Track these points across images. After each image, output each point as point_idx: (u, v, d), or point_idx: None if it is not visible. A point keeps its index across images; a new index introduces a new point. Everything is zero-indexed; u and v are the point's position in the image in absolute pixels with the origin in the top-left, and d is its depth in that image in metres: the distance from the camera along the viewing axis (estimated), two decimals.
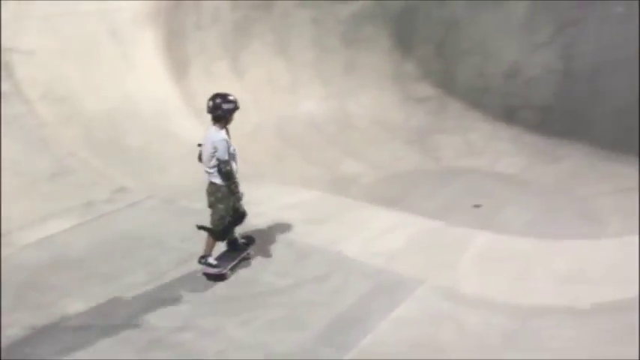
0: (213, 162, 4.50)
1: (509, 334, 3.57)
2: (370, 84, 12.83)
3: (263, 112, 11.53)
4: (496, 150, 11.75)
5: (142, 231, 5.27)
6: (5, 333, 3.82)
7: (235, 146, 4.70)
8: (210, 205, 4.55)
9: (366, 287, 4.26)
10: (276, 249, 4.88)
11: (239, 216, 4.64)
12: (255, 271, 4.54)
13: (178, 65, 10.00)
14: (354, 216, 5.71)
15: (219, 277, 4.43)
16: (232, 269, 4.51)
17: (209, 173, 4.53)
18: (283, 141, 11.19)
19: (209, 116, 4.61)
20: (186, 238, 4.95)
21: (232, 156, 4.63)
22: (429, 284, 4.23)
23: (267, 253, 4.80)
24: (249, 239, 4.84)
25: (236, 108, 4.75)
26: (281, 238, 5.05)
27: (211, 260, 4.48)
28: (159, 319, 3.95)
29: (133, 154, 6.73)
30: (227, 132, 4.70)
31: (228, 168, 4.46)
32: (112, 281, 4.44)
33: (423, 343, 3.59)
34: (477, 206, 9.62)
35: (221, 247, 4.66)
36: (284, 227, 5.25)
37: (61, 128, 6.92)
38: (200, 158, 4.62)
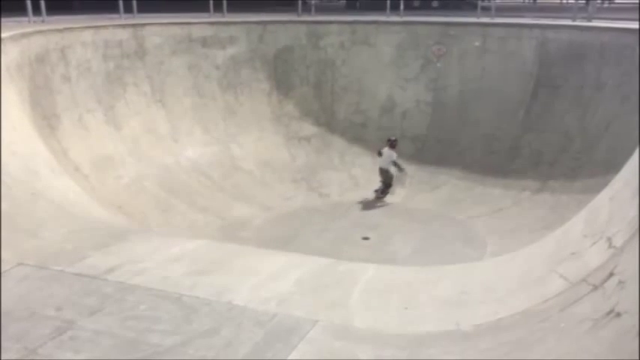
0: (390, 162, 11.73)
1: None
2: (252, 127, 12.92)
3: (144, 162, 11.20)
4: (379, 183, 12.20)
5: (12, 302, 4.82)
6: None
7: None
8: (385, 178, 11.80)
9: (258, 335, 4.15)
10: (163, 306, 4.65)
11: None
12: (141, 332, 4.28)
13: (47, 120, 9.51)
14: (243, 262, 5.61)
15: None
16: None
17: (384, 166, 11.83)
18: (168, 190, 10.89)
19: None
20: (62, 306, 4.60)
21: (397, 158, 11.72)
22: (321, 324, 4.21)
23: (153, 312, 4.56)
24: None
25: (397, 141, 12.03)
26: (167, 294, 4.83)
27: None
28: None
29: None
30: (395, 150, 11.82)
31: (399, 163, 11.72)
32: None
33: None
34: (365, 238, 9.90)
35: None
36: (170, 282, 5.02)
37: None
38: (379, 154, 11.93)
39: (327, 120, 13.67)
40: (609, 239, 3.68)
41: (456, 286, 4.57)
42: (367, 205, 11.52)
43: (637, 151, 4.43)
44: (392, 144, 11.78)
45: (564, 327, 3.20)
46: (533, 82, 12.21)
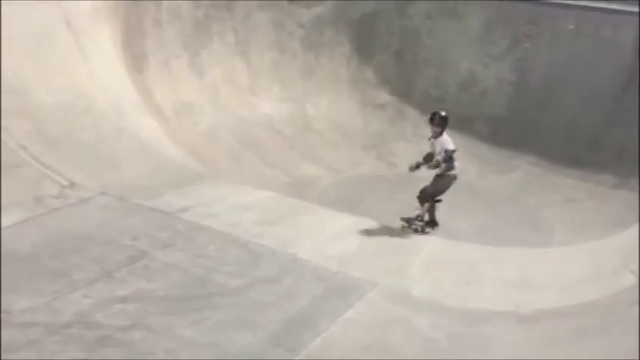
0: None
1: (455, 338, 3.67)
2: (329, 89, 12.90)
3: (221, 112, 11.44)
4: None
5: (93, 228, 5.16)
6: None
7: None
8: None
9: (318, 290, 4.29)
10: (230, 249, 4.87)
11: None
12: (209, 271, 4.51)
13: (136, 61, 9.83)
14: (309, 218, 5.74)
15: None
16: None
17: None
18: (240, 142, 11.11)
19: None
20: (138, 236, 4.89)
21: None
22: (380, 288, 4.29)
23: (221, 253, 4.78)
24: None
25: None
26: (235, 239, 5.04)
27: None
28: (108, 317, 3.88)
29: (85, 149, 6.57)
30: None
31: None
32: (60, 277, 4.33)
33: (372, 346, 3.65)
34: None
35: None
36: (238, 228, 5.23)
37: (12, 120, 6.69)
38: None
39: (405, 90, 13.44)
40: None
41: (520, 269, 4.54)
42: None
43: None
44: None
45: (631, 322, 3.14)
46: (627, 73, 11.56)
